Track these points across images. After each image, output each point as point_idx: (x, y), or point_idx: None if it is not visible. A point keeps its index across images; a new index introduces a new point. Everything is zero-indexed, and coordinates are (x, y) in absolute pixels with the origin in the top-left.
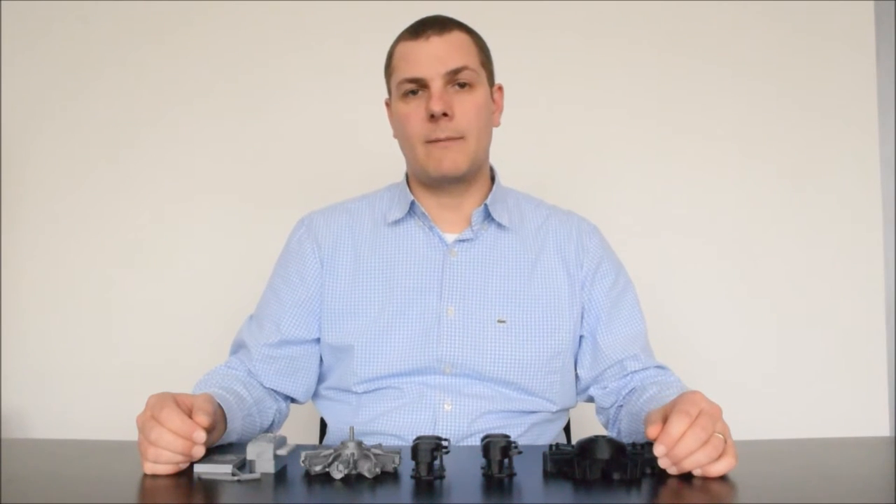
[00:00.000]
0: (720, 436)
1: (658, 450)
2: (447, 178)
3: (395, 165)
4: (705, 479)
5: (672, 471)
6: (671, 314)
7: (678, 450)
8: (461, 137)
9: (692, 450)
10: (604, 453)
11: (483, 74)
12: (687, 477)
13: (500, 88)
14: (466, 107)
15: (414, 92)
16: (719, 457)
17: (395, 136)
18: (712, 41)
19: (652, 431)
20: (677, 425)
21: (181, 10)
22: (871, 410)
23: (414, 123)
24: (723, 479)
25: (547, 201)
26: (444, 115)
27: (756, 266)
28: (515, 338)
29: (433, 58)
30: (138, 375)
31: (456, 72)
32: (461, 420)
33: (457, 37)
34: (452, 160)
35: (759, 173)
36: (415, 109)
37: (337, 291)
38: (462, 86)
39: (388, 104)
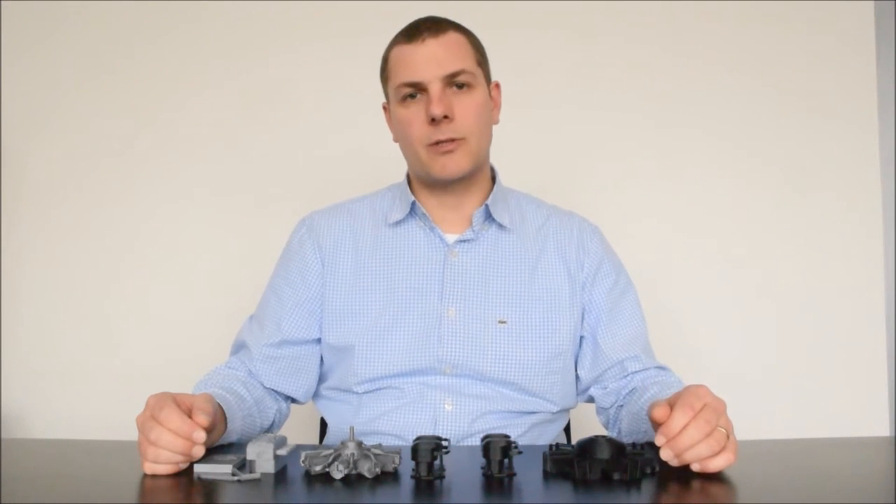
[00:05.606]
0: (723, 430)
1: (659, 440)
2: (450, 180)
3: (396, 166)
4: (705, 479)
5: (673, 463)
6: (672, 314)
7: (680, 441)
8: (463, 138)
9: (694, 441)
10: (604, 453)
11: (480, 74)
12: (687, 477)
13: (498, 85)
14: (466, 108)
15: (412, 95)
16: (720, 451)
17: (396, 139)
18: (712, 41)
19: (657, 413)
20: (680, 417)
21: (181, 10)
22: (871, 410)
23: (415, 128)
24: (723, 479)
25: (547, 201)
26: (445, 117)
27: (756, 266)
28: (516, 338)
29: (430, 61)
30: (138, 375)
31: (454, 75)
32: (461, 420)
33: (452, 38)
34: (456, 162)
35: (759, 173)
36: (415, 113)
37: (338, 292)
38: (460, 87)
39: (385, 108)
